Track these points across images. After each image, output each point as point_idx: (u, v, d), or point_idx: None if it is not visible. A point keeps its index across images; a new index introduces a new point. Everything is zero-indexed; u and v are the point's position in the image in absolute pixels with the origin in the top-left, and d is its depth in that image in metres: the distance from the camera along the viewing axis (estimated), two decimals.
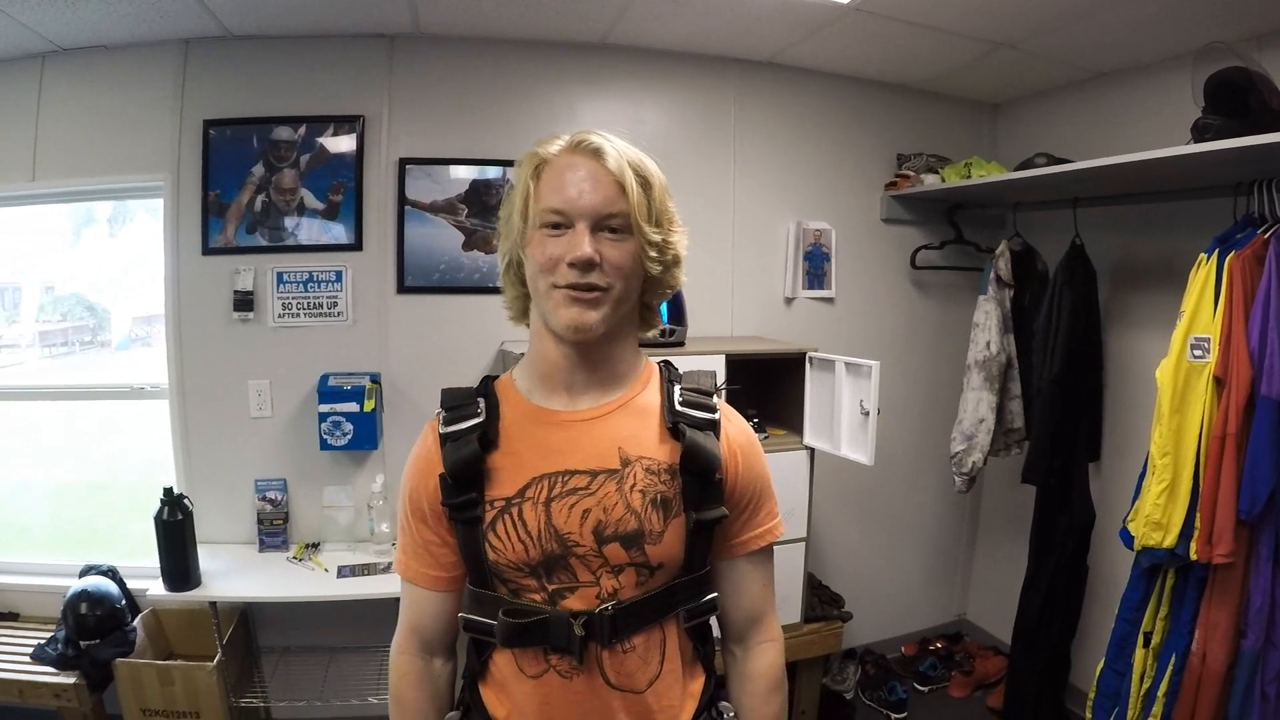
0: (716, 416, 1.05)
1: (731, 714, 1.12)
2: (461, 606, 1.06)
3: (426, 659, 1.12)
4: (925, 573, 3.24)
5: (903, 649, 3.14)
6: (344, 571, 2.37)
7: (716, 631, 1.15)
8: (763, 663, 1.12)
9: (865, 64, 2.75)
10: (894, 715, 2.81)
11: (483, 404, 1.03)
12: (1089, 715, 2.19)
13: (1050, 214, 2.67)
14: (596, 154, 0.96)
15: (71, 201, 2.71)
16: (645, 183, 0.98)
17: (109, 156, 2.50)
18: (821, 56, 2.69)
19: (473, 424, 1.01)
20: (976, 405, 2.66)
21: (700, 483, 1.01)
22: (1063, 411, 2.46)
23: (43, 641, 2.45)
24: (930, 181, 2.82)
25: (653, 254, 0.99)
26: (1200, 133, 1.87)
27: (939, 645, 3.10)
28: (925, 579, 3.24)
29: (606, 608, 0.97)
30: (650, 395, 1.06)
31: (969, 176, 2.70)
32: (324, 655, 2.59)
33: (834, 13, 2.29)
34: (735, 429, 1.08)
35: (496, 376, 1.10)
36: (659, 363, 1.13)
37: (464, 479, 0.99)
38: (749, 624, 1.12)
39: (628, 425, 1.02)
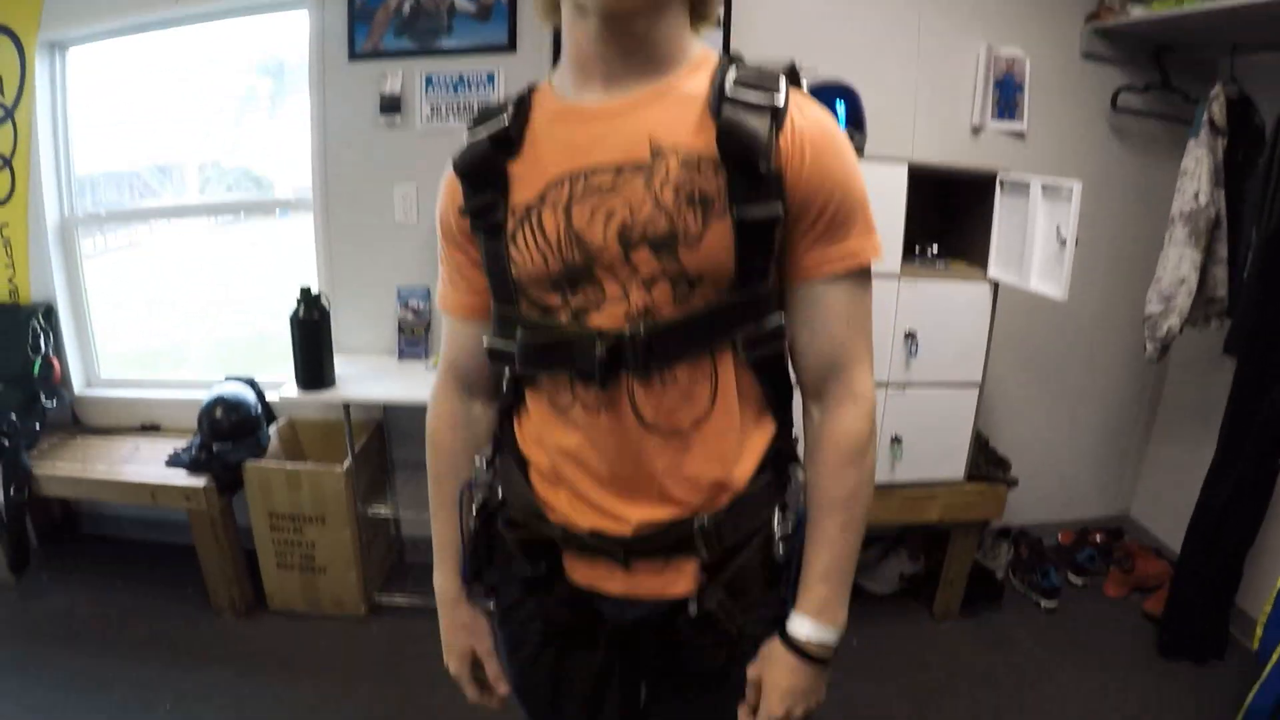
0: (778, 101, 0.83)
1: (802, 480, 0.95)
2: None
3: (466, 400, 1.05)
4: (1094, 456, 3.01)
5: (1059, 536, 2.94)
6: None
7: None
8: (839, 426, 0.91)
9: None
10: (1044, 602, 2.64)
11: (511, 109, 0.90)
12: (1259, 631, 1.98)
13: (1273, 61, 2.37)
14: None
15: (216, 20, 2.70)
16: None
17: None
18: None
19: (492, 125, 0.90)
20: (1178, 263, 2.40)
21: (746, 175, 0.81)
22: (1277, 277, 2.18)
23: (180, 448, 2.53)
24: (1138, 13, 2.53)
25: None
26: None
27: (1098, 538, 2.88)
28: (1093, 463, 3.01)
29: (639, 328, 0.84)
30: (699, 81, 0.87)
31: (1181, 5, 2.41)
32: None
33: None
34: (809, 119, 0.85)
35: (539, 84, 0.96)
36: (722, 53, 0.92)
37: (477, 179, 0.89)
38: (826, 372, 0.91)
39: (664, 113, 0.85)
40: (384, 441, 2.65)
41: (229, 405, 2.49)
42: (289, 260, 2.75)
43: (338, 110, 2.50)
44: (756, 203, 0.82)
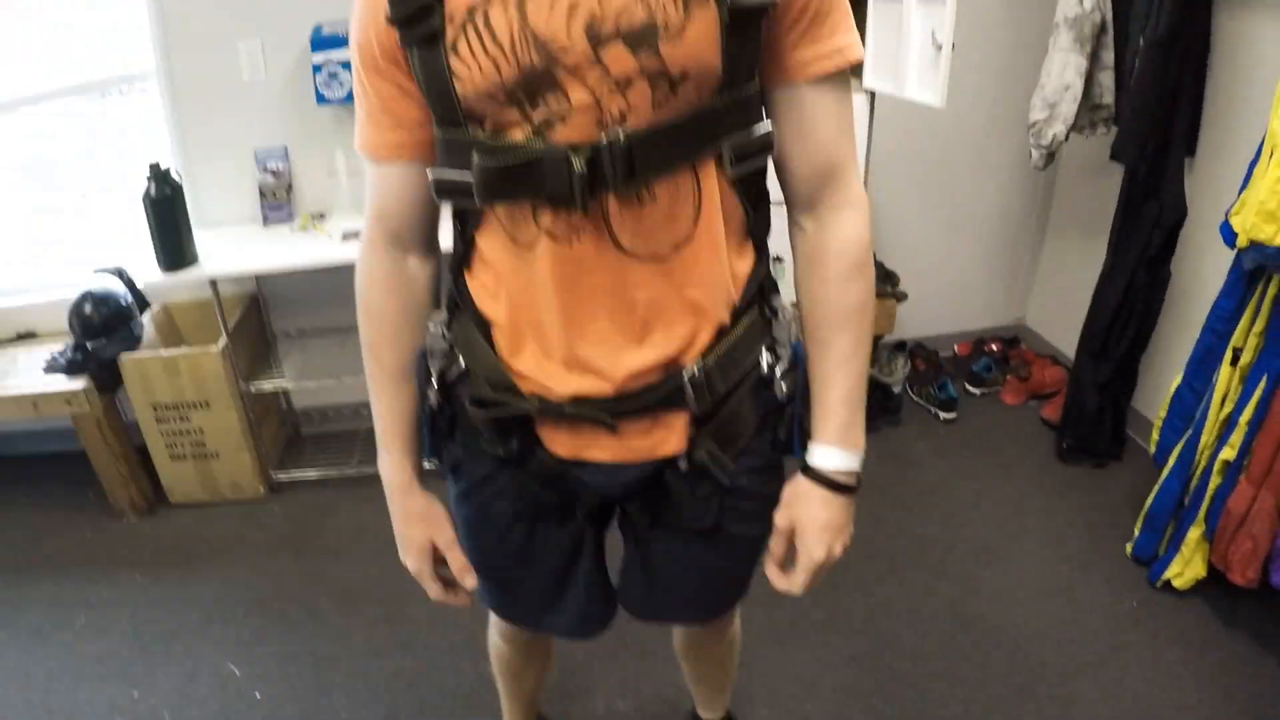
0: None
1: (789, 315, 0.92)
2: (432, 164, 0.84)
3: (399, 256, 0.93)
4: (986, 266, 3.06)
5: (955, 348, 3.04)
6: (349, 235, 2.30)
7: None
8: (841, 235, 0.86)
9: None
10: (943, 414, 2.75)
11: None
12: (1155, 436, 2.06)
13: None
14: None
15: None
16: None
17: None
18: None
19: None
20: (1063, 69, 2.38)
21: None
22: (1163, 81, 2.17)
23: (55, 352, 2.44)
24: None
25: None
26: None
27: (994, 348, 2.99)
28: (985, 273, 3.07)
29: (617, 136, 0.73)
30: None
31: None
32: (339, 336, 2.56)
33: None
34: None
35: None
36: None
37: None
38: (820, 181, 0.85)
39: None
40: (261, 313, 2.59)
41: (97, 300, 2.39)
42: (137, 138, 2.58)
43: None
44: None
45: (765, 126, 0.82)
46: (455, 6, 0.73)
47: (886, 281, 2.49)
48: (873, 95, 2.21)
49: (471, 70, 0.74)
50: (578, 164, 0.73)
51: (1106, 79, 2.45)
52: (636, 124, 0.75)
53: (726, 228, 0.84)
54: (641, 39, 0.72)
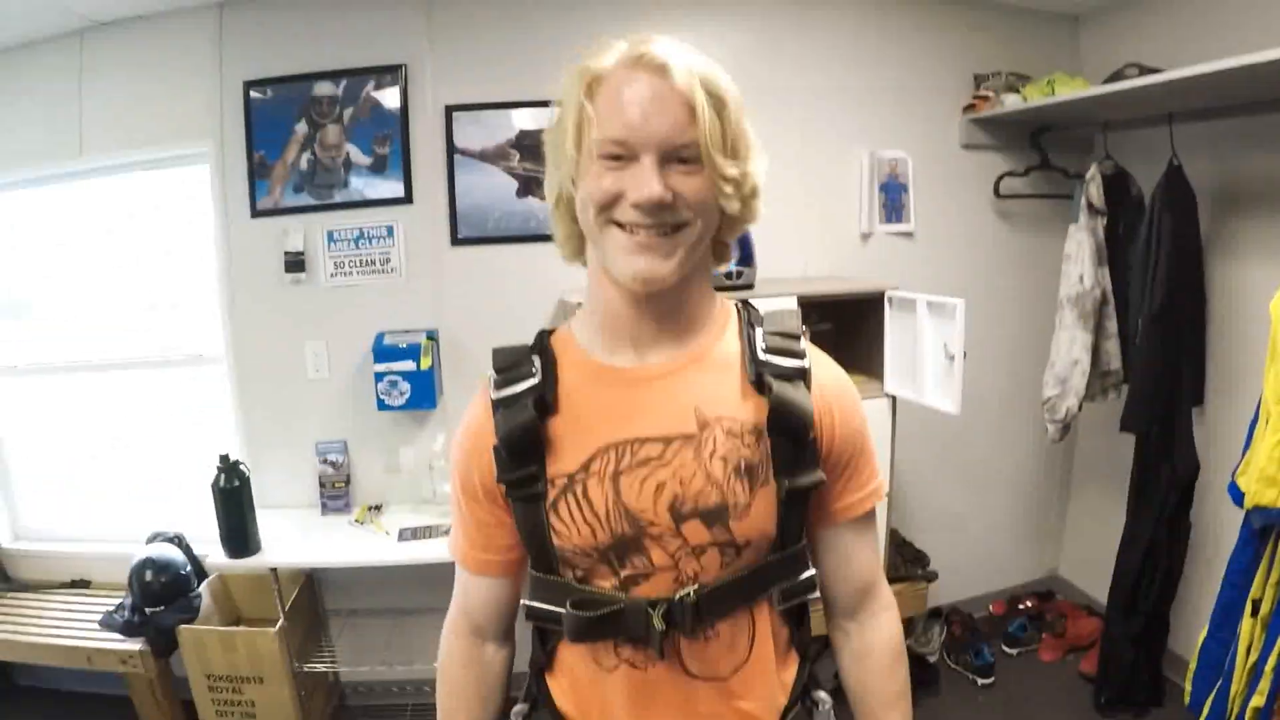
0: (806, 364, 0.92)
1: (828, 705, 1.03)
2: (525, 592, 0.97)
3: (478, 642, 1.05)
4: (1015, 527, 3.13)
5: (990, 608, 3.06)
6: (405, 535, 2.40)
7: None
8: (883, 635, 1.03)
9: None
10: (980, 680, 2.74)
11: (538, 362, 0.92)
12: (1188, 687, 2.08)
13: (1143, 133, 2.51)
14: (661, 69, 0.81)
15: (120, 174, 2.75)
16: (719, 102, 0.83)
17: (152, 127, 2.55)
18: None
19: (528, 386, 0.91)
20: (1070, 346, 2.54)
21: (792, 444, 0.89)
22: (1164, 351, 2.32)
23: (111, 609, 2.55)
24: (1011, 102, 2.68)
25: (728, 189, 0.85)
26: None
27: (1029, 604, 3.01)
28: (1015, 533, 3.14)
29: (689, 593, 0.88)
30: (729, 344, 0.94)
31: (1052, 94, 2.55)
32: (390, 618, 2.63)
33: None
34: (828, 376, 0.95)
35: (553, 330, 0.99)
36: (737, 304, 1.00)
37: (521, 451, 0.89)
38: (860, 595, 1.02)
39: (705, 381, 0.90)
40: (314, 593, 2.69)
41: (158, 567, 2.51)
42: (207, 409, 2.79)
43: (243, 268, 2.56)
44: (802, 472, 0.90)
45: (809, 571, 0.97)
46: (556, 473, 0.89)
47: (917, 563, 2.55)
48: (894, 398, 2.35)
49: (570, 530, 0.88)
50: (657, 621, 0.87)
51: (1113, 346, 2.59)
52: (706, 580, 0.89)
53: (775, 647, 0.97)
54: (715, 516, 0.88)
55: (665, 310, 0.90)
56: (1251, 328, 2.23)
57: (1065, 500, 3.15)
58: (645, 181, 0.80)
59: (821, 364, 0.96)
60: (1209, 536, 2.40)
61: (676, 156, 0.82)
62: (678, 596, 0.88)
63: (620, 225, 0.84)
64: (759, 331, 0.94)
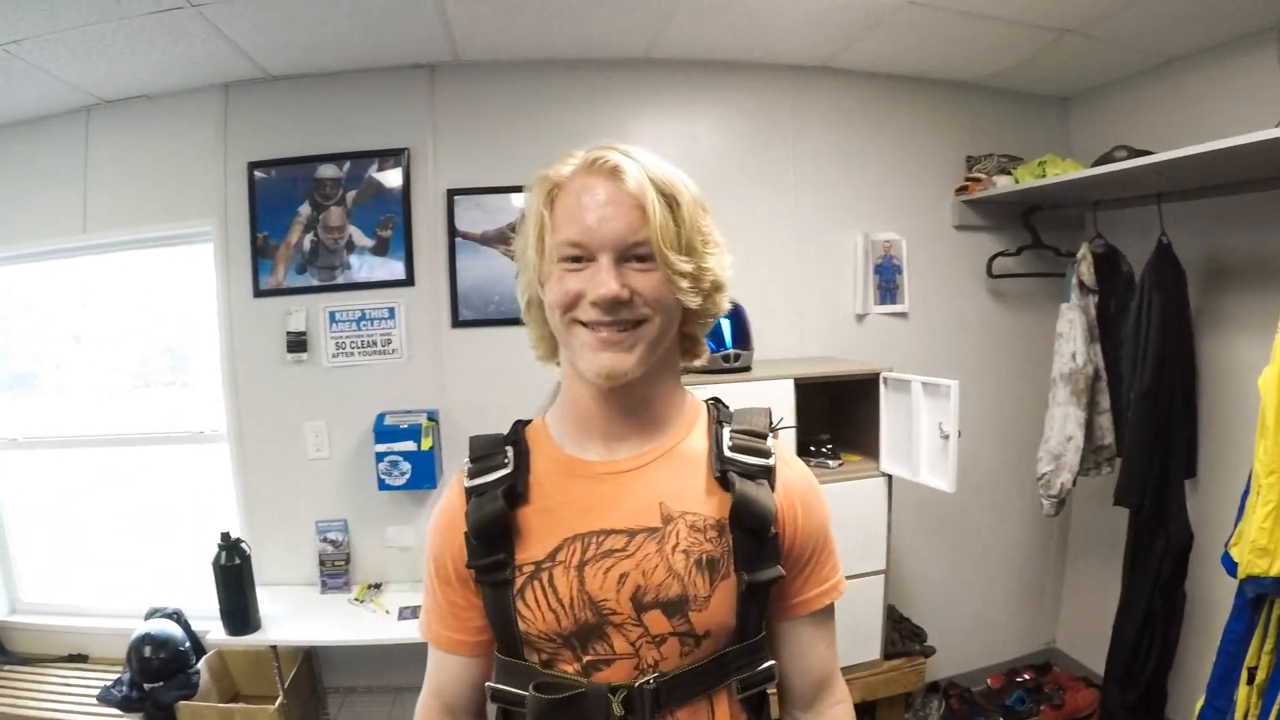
0: (771, 462, 0.96)
1: None
2: (490, 674, 1.00)
3: None
4: (1012, 600, 3.15)
5: (989, 681, 3.05)
6: (405, 613, 2.42)
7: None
8: None
9: (925, 62, 2.70)
10: None
11: (511, 453, 0.97)
12: None
13: (1133, 212, 2.58)
14: (614, 173, 0.87)
15: (123, 250, 2.81)
16: (672, 202, 0.89)
17: (157, 205, 2.61)
18: (879, 57, 2.65)
19: (498, 476, 0.95)
20: (1064, 422, 2.57)
21: (753, 539, 0.92)
22: (1156, 426, 2.37)
23: (109, 684, 2.55)
24: (1003, 183, 2.75)
25: (684, 284, 0.89)
26: None
27: (1027, 676, 3.01)
28: (1012, 606, 3.16)
29: (648, 681, 0.91)
30: (696, 440, 0.98)
31: (1044, 176, 2.62)
32: (389, 695, 2.65)
33: (886, 7, 2.25)
34: (794, 474, 0.99)
35: (529, 421, 1.03)
36: (708, 401, 1.05)
37: (489, 539, 0.93)
38: (816, 689, 1.04)
39: (670, 476, 0.95)
40: (313, 670, 2.70)
41: (157, 643, 2.52)
42: (208, 486, 2.82)
43: (245, 347, 2.60)
44: (762, 566, 0.93)
45: (768, 660, 0.98)
46: (524, 560, 0.92)
47: (914, 639, 2.56)
48: (890, 477, 2.38)
49: (535, 616, 0.92)
50: (616, 707, 0.90)
51: (1106, 422, 2.63)
52: (666, 668, 0.92)
53: None
54: (676, 607, 0.91)
55: (631, 406, 0.95)
56: (1242, 401, 2.27)
57: (1061, 573, 3.18)
58: (602, 280, 0.86)
59: (787, 462, 1.00)
60: (1205, 606, 2.42)
61: (632, 255, 0.88)
62: (637, 684, 0.91)
63: (584, 324, 0.89)
64: (726, 429, 0.98)
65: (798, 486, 0.98)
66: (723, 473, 0.94)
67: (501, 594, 0.93)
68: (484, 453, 0.98)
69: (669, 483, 0.94)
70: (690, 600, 0.91)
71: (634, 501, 0.93)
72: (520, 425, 1.02)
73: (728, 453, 0.96)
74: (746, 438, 0.97)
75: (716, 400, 1.05)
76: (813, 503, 0.99)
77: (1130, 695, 2.49)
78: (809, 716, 1.06)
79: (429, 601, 1.04)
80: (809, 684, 1.04)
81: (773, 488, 0.95)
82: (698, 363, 1.04)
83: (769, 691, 1.02)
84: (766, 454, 0.96)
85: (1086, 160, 2.51)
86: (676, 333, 0.96)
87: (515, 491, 0.94)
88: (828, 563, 1.01)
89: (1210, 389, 2.50)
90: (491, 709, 1.05)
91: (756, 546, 0.92)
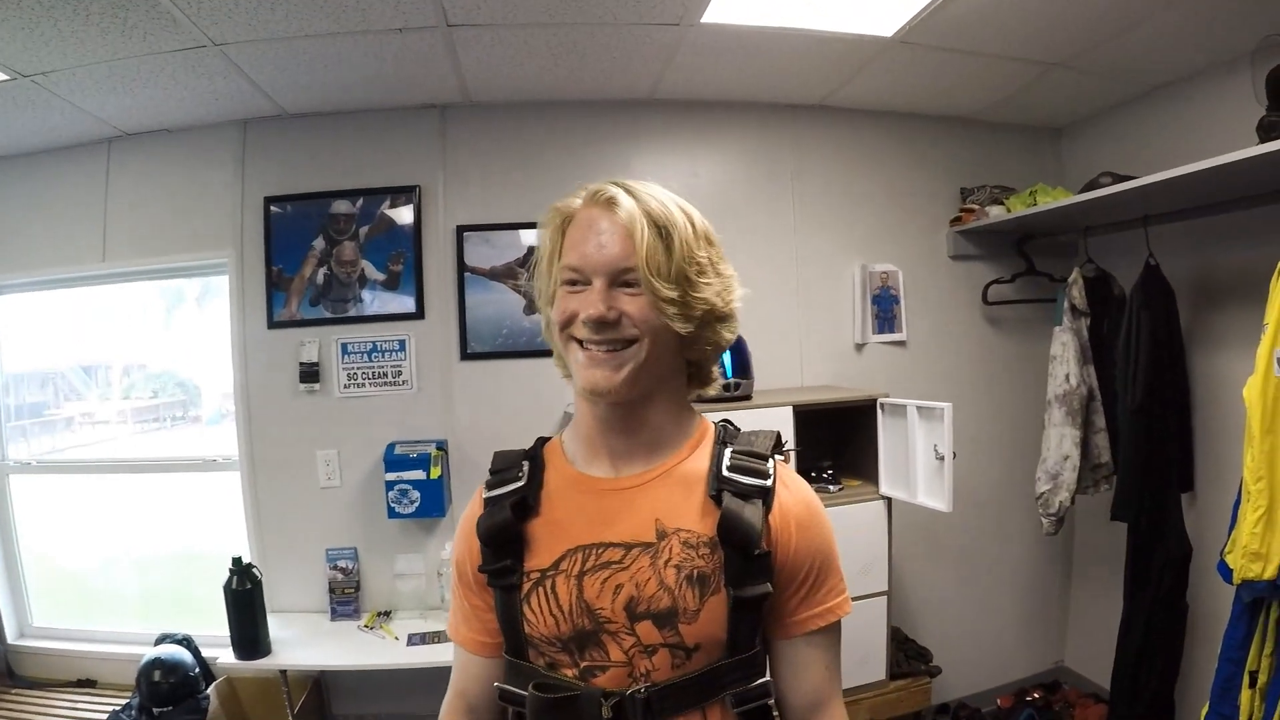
0: (768, 483, 0.99)
1: None
2: (499, 674, 1.06)
3: None
4: (1019, 620, 3.20)
5: (998, 701, 3.10)
6: (414, 640, 2.48)
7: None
8: None
9: (918, 98, 2.82)
10: None
11: (526, 468, 1.04)
12: None
13: (1122, 236, 2.66)
14: (610, 204, 0.96)
15: (140, 280, 2.93)
16: (664, 232, 0.95)
17: (175, 235, 2.72)
18: (873, 94, 2.78)
19: (511, 489, 1.02)
20: (1060, 442, 2.65)
21: (740, 556, 0.96)
22: (1150, 442, 2.44)
23: (117, 709, 2.60)
24: (995, 213, 2.86)
25: (670, 310, 0.95)
26: (1267, 132, 1.88)
27: (1036, 695, 3.05)
28: (1019, 626, 3.20)
29: (640, 689, 0.96)
30: (698, 461, 1.03)
31: (1035, 204, 2.73)
32: None
33: (878, 47, 2.37)
34: (792, 497, 1.02)
35: (549, 439, 1.10)
36: (718, 423, 1.10)
37: (498, 545, 1.00)
38: (810, 710, 1.05)
39: (668, 495, 1.00)
40: (323, 697, 2.75)
41: (167, 668, 2.56)
42: (218, 510, 2.90)
43: (259, 376, 2.70)
44: (749, 582, 0.96)
45: (764, 677, 1.02)
46: (531, 568, 0.99)
47: (919, 659, 2.62)
48: (889, 500, 2.46)
49: (538, 620, 0.99)
50: (606, 710, 0.95)
51: (1102, 440, 2.70)
52: (658, 678, 0.96)
53: None
54: (666, 619, 0.96)
55: (630, 426, 1.01)
56: (1234, 415, 2.30)
57: (1067, 591, 3.23)
58: (592, 301, 0.94)
59: (787, 484, 1.03)
60: (1207, 617, 2.46)
61: (622, 280, 0.95)
62: (629, 691, 0.96)
63: (579, 342, 0.97)
64: (728, 450, 1.03)
65: (793, 509, 1.01)
66: (718, 491, 0.99)
67: (510, 598, 1.00)
68: (502, 466, 1.06)
69: (667, 500, 1.00)
70: (680, 613, 0.96)
71: (633, 517, 0.99)
72: (542, 441, 1.10)
73: (725, 472, 1.00)
74: (745, 458, 1.02)
75: (727, 422, 1.11)
76: (809, 524, 1.02)
77: (1138, 708, 2.53)
78: None
79: (454, 604, 1.13)
80: (803, 705, 1.05)
81: (768, 508, 0.99)
82: (710, 391, 1.10)
83: (770, 708, 1.05)
84: (764, 475, 1.00)
85: (1076, 188, 2.60)
86: (678, 359, 1.02)
87: (526, 504, 1.02)
88: (825, 584, 1.03)
89: (1204, 404, 2.58)
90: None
91: (745, 563, 0.96)
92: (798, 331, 2.87)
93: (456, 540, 1.10)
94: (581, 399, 1.03)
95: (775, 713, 1.08)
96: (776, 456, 1.05)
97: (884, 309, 2.91)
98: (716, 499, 0.98)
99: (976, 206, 2.93)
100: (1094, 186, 2.42)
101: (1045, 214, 2.66)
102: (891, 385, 2.61)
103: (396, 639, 2.51)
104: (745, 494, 0.99)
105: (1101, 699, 2.95)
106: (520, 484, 1.03)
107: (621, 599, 0.97)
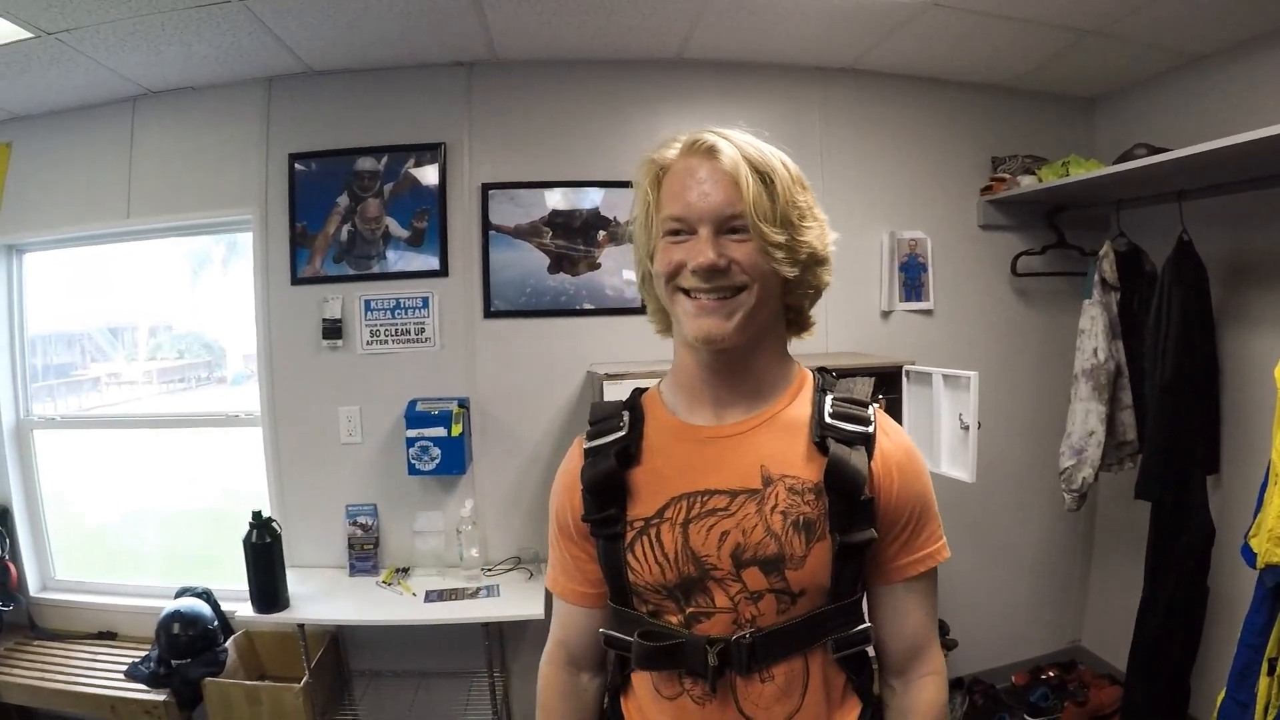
0: (870, 429, 1.02)
1: None
2: (604, 622, 1.09)
3: (574, 672, 1.17)
4: (1036, 597, 3.19)
5: (1013, 678, 3.10)
6: (431, 596, 2.51)
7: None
8: (923, 698, 1.08)
9: (950, 63, 2.79)
10: None
11: (627, 418, 1.06)
12: None
13: (1155, 210, 2.63)
14: (711, 153, 0.96)
15: (165, 237, 2.95)
16: (766, 177, 0.96)
17: (199, 192, 2.73)
18: (904, 58, 2.74)
19: (614, 439, 1.04)
20: (1085, 417, 2.64)
21: (846, 502, 0.98)
22: (1176, 421, 2.42)
23: (137, 660, 2.64)
24: (1027, 183, 2.83)
25: (779, 255, 0.96)
26: None
27: (1051, 674, 3.05)
28: (1036, 603, 3.19)
29: (744, 635, 0.98)
30: (800, 407, 1.04)
31: (1067, 175, 2.69)
32: (414, 679, 2.73)
33: (911, 8, 2.33)
34: (893, 444, 1.04)
35: (645, 390, 1.12)
36: (815, 370, 1.11)
37: (603, 495, 1.02)
38: (909, 656, 1.08)
39: (773, 441, 1.01)
40: (339, 652, 2.78)
41: (186, 621, 2.60)
42: (240, 467, 2.93)
43: (282, 333, 2.71)
44: (855, 528, 0.98)
45: (864, 623, 1.04)
46: (635, 516, 1.02)
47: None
48: None
49: (643, 568, 1.01)
50: (711, 658, 0.97)
51: (1128, 417, 2.68)
52: (763, 624, 0.98)
53: (831, 693, 1.04)
54: (773, 565, 0.98)
55: (735, 373, 1.02)
56: (1264, 396, 2.29)
57: (1087, 570, 3.21)
58: (701, 250, 0.95)
59: (887, 432, 1.05)
60: (1228, 601, 2.45)
61: (729, 227, 0.96)
62: (734, 637, 0.98)
63: (686, 292, 0.97)
64: (829, 397, 1.04)
65: (896, 455, 1.03)
66: (822, 438, 1.00)
67: (614, 546, 1.02)
68: (602, 416, 1.08)
69: (771, 447, 1.01)
70: (786, 559, 0.97)
71: (737, 464, 1.00)
72: (639, 393, 1.12)
73: (828, 419, 1.02)
74: (847, 405, 1.04)
75: (824, 369, 1.12)
76: (910, 471, 1.04)
77: (1154, 690, 2.53)
78: (900, 683, 1.10)
79: (553, 556, 1.15)
80: (902, 650, 1.08)
81: (870, 454, 1.01)
82: (807, 336, 1.11)
83: (870, 654, 1.08)
84: (866, 421, 1.03)
85: (1109, 160, 2.56)
86: (780, 304, 1.03)
87: (628, 452, 1.03)
88: (924, 530, 1.05)
89: (1233, 384, 2.55)
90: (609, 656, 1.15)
91: (850, 509, 0.98)
92: (824, 298, 2.81)
93: (555, 492, 1.12)
94: (685, 348, 1.03)
95: (873, 657, 1.11)
96: (875, 403, 1.07)
97: (911, 277, 2.89)
98: (820, 446, 1.00)
99: (1008, 176, 2.89)
100: (1128, 158, 2.38)
101: (1077, 185, 2.62)
102: (917, 354, 2.59)
103: (414, 595, 2.53)
104: (849, 440, 1.00)
105: (1117, 681, 2.95)
106: (622, 433, 1.05)
107: (728, 546, 0.98)
